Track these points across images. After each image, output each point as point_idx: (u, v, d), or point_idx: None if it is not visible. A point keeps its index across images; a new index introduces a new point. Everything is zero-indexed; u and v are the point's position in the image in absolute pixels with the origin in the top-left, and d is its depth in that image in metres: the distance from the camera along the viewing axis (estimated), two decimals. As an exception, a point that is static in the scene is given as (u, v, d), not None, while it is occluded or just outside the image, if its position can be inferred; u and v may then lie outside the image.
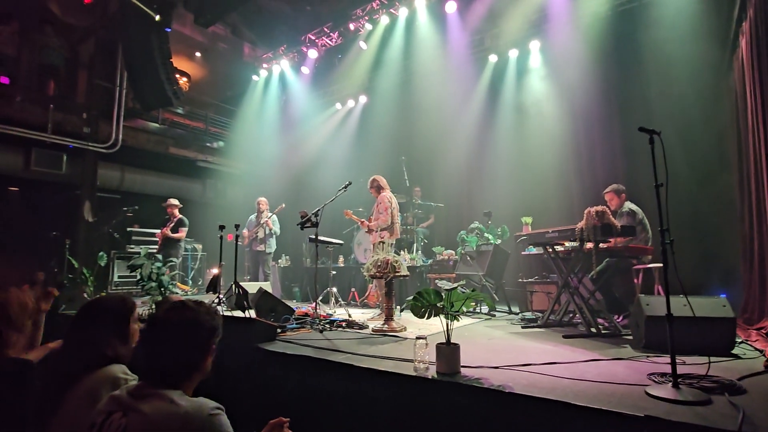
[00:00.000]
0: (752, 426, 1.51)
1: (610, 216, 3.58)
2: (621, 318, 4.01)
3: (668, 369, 1.95)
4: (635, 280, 4.39)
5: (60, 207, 8.14)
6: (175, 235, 6.68)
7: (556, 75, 6.61)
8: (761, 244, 3.83)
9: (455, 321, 2.31)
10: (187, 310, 1.28)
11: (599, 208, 3.56)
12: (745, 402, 1.75)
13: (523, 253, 5.36)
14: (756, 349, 2.86)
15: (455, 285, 2.35)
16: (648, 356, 2.65)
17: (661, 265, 2.09)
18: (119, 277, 7.61)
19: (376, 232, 4.99)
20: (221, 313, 1.41)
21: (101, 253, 5.88)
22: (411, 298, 2.43)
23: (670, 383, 1.87)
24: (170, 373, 1.21)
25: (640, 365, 2.45)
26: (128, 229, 8.22)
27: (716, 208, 5.10)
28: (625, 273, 4.35)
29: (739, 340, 3.03)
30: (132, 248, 7.86)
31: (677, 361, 1.94)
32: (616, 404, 1.71)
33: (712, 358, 2.18)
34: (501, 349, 3.00)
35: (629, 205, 4.43)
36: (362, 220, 5.44)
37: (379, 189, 5.19)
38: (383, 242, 4.98)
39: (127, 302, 1.69)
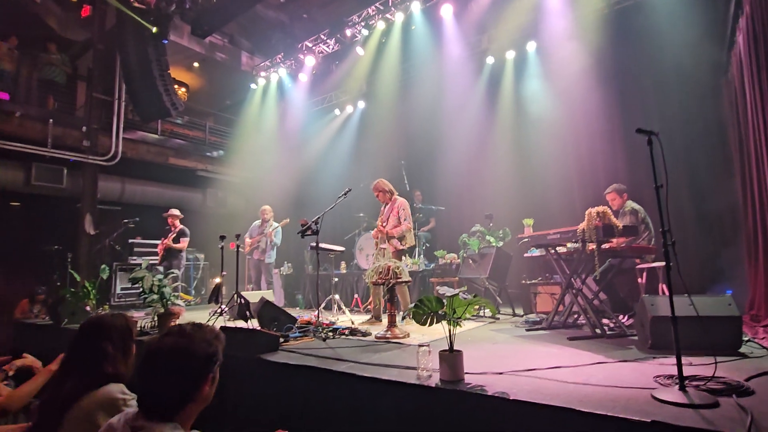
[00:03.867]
0: (760, 430, 1.48)
1: (612, 216, 3.55)
2: (626, 318, 3.98)
3: (674, 370, 1.92)
4: (639, 280, 4.36)
5: (61, 221, 8.15)
6: (177, 246, 6.68)
7: (554, 75, 6.61)
8: (765, 239, 3.80)
9: (458, 327, 2.29)
10: (181, 338, 1.21)
11: (600, 208, 3.54)
12: (753, 404, 1.71)
13: (525, 255, 5.33)
14: (763, 347, 2.82)
15: (457, 291, 2.33)
16: (654, 357, 2.62)
17: (664, 264, 2.07)
18: (122, 289, 7.61)
19: (397, 239, 4.69)
20: (222, 338, 1.30)
21: (103, 266, 5.86)
22: (413, 305, 2.41)
23: (677, 386, 1.85)
24: (162, 404, 1.15)
25: (646, 367, 2.42)
26: (130, 240, 8.23)
27: (720, 205, 5.07)
28: (629, 272, 4.32)
29: (746, 338, 2.99)
30: (134, 260, 7.86)
31: (683, 362, 1.91)
32: (622, 409, 1.68)
33: (719, 358, 2.15)
34: (505, 353, 2.97)
35: (631, 204, 4.41)
36: (378, 228, 4.89)
37: (391, 193, 4.92)
38: (404, 250, 4.77)
39: (128, 319, 1.70)
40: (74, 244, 7.71)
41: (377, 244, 4.87)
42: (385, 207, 4.99)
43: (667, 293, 3.99)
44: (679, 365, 1.88)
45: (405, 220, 4.74)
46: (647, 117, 5.49)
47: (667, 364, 2.40)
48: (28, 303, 7.46)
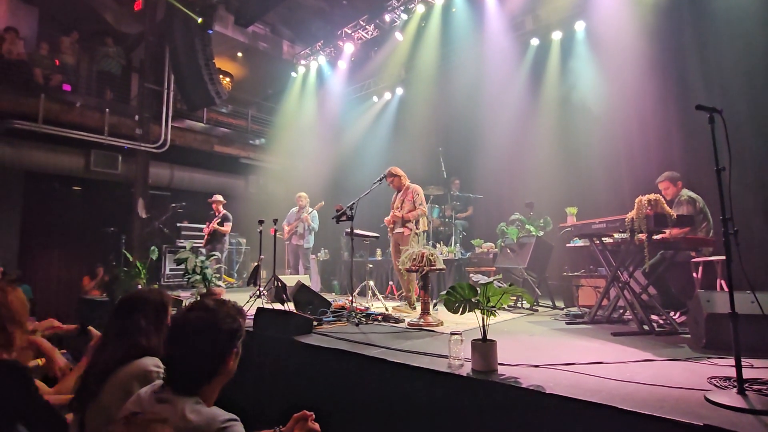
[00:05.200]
0: (836, 441, 1.32)
1: (665, 205, 3.30)
2: (678, 314, 3.71)
3: (732, 372, 1.76)
4: (694, 274, 4.04)
5: (117, 204, 8.69)
6: (221, 230, 6.95)
7: (604, 55, 6.19)
8: None
9: (492, 316, 2.21)
10: (206, 312, 1.23)
11: (652, 196, 3.29)
12: (827, 413, 1.53)
13: (567, 245, 5.10)
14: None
15: (491, 279, 2.24)
16: (708, 357, 2.42)
17: (723, 257, 1.87)
18: (170, 270, 8.02)
19: (412, 222, 4.79)
20: (244, 313, 1.33)
21: (153, 248, 6.20)
22: (445, 292, 2.35)
23: (735, 389, 1.69)
24: (187, 378, 1.17)
25: (699, 367, 2.24)
26: (178, 224, 8.64)
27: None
28: (683, 266, 4.02)
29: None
30: (181, 242, 8.24)
31: (743, 364, 1.74)
32: (670, 410, 1.55)
33: (786, 362, 1.95)
34: (542, 346, 2.85)
35: (688, 193, 4.08)
36: (393, 214, 5.00)
37: (402, 179, 5.01)
38: (418, 234, 4.84)
39: (164, 295, 1.75)
40: (128, 226, 8.21)
41: (392, 229, 4.97)
42: (397, 194, 5.04)
43: (725, 289, 3.68)
44: (738, 366, 1.72)
45: (420, 204, 4.81)
46: (710, 96, 5.03)
47: (723, 365, 2.21)
48: (89, 280, 8.07)
